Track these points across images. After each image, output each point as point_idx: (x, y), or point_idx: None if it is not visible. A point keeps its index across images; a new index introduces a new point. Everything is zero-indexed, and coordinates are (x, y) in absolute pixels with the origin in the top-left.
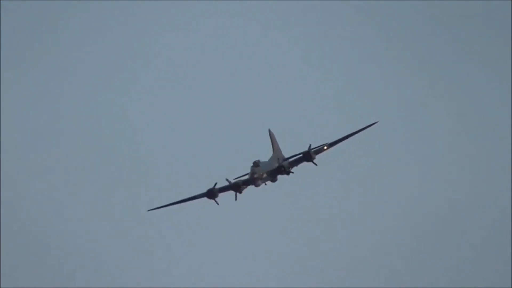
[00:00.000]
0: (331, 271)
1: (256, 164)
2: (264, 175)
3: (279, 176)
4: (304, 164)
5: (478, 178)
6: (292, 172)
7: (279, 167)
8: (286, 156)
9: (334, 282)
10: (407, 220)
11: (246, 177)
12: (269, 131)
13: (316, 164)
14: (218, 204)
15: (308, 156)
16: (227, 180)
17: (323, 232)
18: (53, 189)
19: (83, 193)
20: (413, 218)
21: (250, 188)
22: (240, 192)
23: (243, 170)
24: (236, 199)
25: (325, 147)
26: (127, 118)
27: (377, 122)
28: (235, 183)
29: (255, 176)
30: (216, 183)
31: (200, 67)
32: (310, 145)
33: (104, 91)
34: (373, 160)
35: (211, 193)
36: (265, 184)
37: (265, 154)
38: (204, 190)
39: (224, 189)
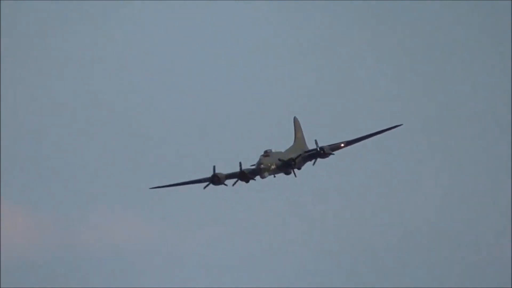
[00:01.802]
0: (333, 271)
1: (266, 153)
2: (273, 167)
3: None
4: (319, 160)
5: (491, 180)
6: (299, 169)
7: (288, 161)
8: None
9: (334, 282)
10: (409, 221)
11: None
12: (294, 118)
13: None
14: (226, 185)
15: (322, 151)
16: (240, 164)
17: (326, 232)
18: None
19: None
20: (415, 218)
21: (258, 179)
22: (247, 182)
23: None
24: (233, 185)
25: (342, 145)
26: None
27: (402, 125)
28: (241, 171)
29: (262, 166)
30: (214, 166)
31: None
32: (315, 140)
33: (106, 86)
34: (391, 162)
35: (215, 178)
36: (274, 176)
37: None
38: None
39: (231, 176)
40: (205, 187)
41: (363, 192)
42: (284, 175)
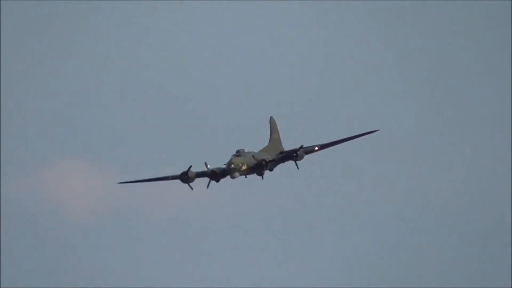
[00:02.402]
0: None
1: (237, 153)
2: (244, 167)
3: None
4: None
5: (479, 181)
6: (271, 170)
7: (260, 162)
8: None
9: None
10: (406, 220)
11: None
12: (271, 118)
13: (298, 167)
14: (192, 189)
15: (295, 154)
16: (205, 164)
17: (301, 235)
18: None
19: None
20: (413, 218)
21: (228, 179)
22: (217, 181)
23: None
24: (207, 187)
25: (316, 148)
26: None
27: (378, 130)
28: (212, 170)
29: (232, 166)
30: (191, 166)
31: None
32: (301, 145)
33: (106, 86)
34: (368, 167)
35: (185, 177)
36: (245, 177)
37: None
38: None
39: (201, 174)
40: (170, 179)
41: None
42: (257, 176)
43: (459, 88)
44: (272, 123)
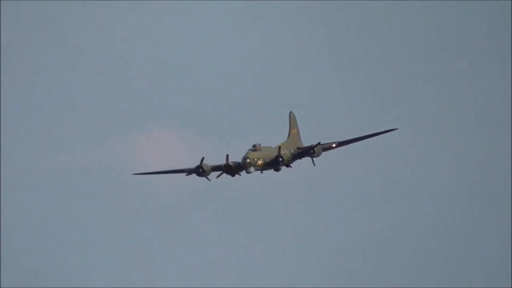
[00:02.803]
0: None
1: (254, 148)
2: (259, 162)
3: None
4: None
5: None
6: (291, 167)
7: (277, 157)
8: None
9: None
10: (408, 220)
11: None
12: (290, 113)
13: (314, 164)
14: (209, 180)
15: (312, 150)
16: (227, 156)
17: (314, 234)
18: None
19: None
20: (414, 218)
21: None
22: (232, 175)
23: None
24: (217, 177)
25: (334, 145)
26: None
27: (397, 129)
28: (227, 164)
29: (247, 161)
30: (203, 158)
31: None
32: (319, 142)
33: (105, 85)
34: (384, 166)
35: (199, 170)
36: (261, 172)
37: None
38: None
39: (216, 168)
40: (187, 174)
41: (354, 194)
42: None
43: (459, 88)
44: (292, 118)
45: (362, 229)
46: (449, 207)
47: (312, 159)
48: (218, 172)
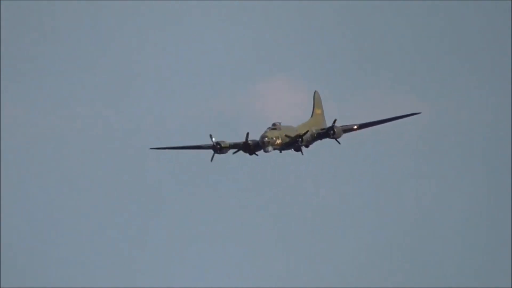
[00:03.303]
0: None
1: (273, 126)
2: (278, 141)
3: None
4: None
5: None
6: (307, 147)
7: (296, 137)
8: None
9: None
10: (409, 220)
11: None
12: (315, 93)
13: (339, 143)
14: (233, 153)
15: (331, 131)
16: (247, 134)
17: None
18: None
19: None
20: (415, 217)
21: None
22: (250, 154)
23: None
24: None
25: (355, 127)
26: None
27: (420, 113)
28: (245, 142)
29: (265, 140)
30: (211, 135)
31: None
32: (335, 120)
33: (105, 84)
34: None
35: (217, 147)
36: (280, 152)
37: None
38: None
39: (234, 146)
40: (212, 159)
41: (365, 182)
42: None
43: (459, 87)
44: (317, 97)
45: (360, 225)
46: (449, 207)
47: (336, 140)
48: (235, 149)
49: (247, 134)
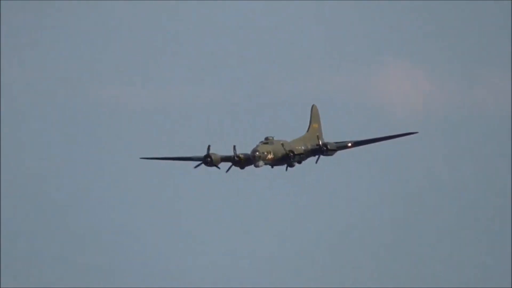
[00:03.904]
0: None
1: (266, 140)
2: (270, 156)
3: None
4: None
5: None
6: (299, 163)
7: (288, 152)
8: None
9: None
10: (408, 220)
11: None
12: (313, 107)
13: (316, 162)
14: (219, 168)
15: (325, 148)
16: (234, 148)
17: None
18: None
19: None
20: (414, 217)
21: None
22: (242, 168)
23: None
24: (227, 171)
25: (350, 144)
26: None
27: (417, 132)
28: (237, 155)
29: (256, 154)
30: (209, 146)
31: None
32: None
33: (105, 85)
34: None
35: (207, 159)
36: (272, 167)
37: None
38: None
39: (226, 158)
40: (196, 167)
41: (360, 197)
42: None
43: (459, 87)
44: (314, 111)
45: (363, 228)
46: (449, 207)
47: (317, 158)
48: (226, 162)
49: (234, 147)
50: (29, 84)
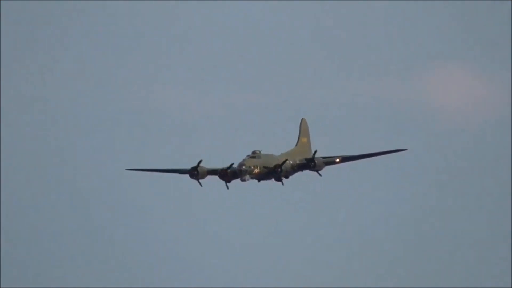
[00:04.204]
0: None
1: (253, 154)
2: (256, 170)
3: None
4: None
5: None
6: (286, 178)
7: (275, 167)
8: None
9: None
10: (408, 218)
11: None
12: (302, 120)
13: (320, 175)
14: (201, 185)
15: (312, 163)
16: (231, 165)
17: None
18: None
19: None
20: (414, 217)
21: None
22: (228, 181)
23: None
24: (228, 187)
25: (337, 160)
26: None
27: (406, 149)
28: (223, 169)
29: (243, 168)
30: (201, 160)
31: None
32: (315, 151)
33: (105, 84)
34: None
35: (194, 172)
36: (258, 181)
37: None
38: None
39: (212, 172)
40: (181, 172)
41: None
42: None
43: (459, 86)
44: (303, 125)
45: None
46: (449, 207)
47: (318, 172)
48: (213, 175)
49: (231, 164)
50: (28, 84)
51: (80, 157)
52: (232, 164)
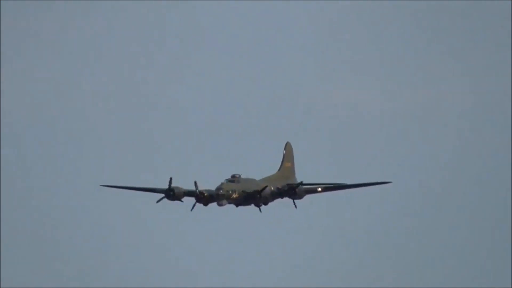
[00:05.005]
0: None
1: (232, 178)
2: (234, 195)
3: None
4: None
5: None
6: (265, 204)
7: (253, 193)
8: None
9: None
10: (409, 219)
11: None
12: (287, 144)
13: (296, 206)
14: (182, 201)
15: (292, 191)
16: (195, 183)
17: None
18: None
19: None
20: (414, 217)
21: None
22: (205, 205)
23: None
24: (191, 209)
25: (319, 189)
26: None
27: (390, 182)
28: (201, 191)
29: (221, 192)
30: (171, 178)
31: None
32: (301, 182)
33: (104, 85)
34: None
35: (169, 193)
36: (236, 207)
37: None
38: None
39: (189, 193)
40: (158, 201)
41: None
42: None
43: (459, 86)
44: (288, 149)
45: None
46: (449, 207)
47: (293, 201)
48: (190, 197)
49: (195, 183)
50: (28, 84)
51: (53, 170)
52: (196, 181)
